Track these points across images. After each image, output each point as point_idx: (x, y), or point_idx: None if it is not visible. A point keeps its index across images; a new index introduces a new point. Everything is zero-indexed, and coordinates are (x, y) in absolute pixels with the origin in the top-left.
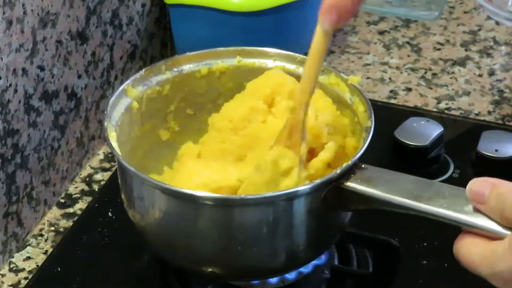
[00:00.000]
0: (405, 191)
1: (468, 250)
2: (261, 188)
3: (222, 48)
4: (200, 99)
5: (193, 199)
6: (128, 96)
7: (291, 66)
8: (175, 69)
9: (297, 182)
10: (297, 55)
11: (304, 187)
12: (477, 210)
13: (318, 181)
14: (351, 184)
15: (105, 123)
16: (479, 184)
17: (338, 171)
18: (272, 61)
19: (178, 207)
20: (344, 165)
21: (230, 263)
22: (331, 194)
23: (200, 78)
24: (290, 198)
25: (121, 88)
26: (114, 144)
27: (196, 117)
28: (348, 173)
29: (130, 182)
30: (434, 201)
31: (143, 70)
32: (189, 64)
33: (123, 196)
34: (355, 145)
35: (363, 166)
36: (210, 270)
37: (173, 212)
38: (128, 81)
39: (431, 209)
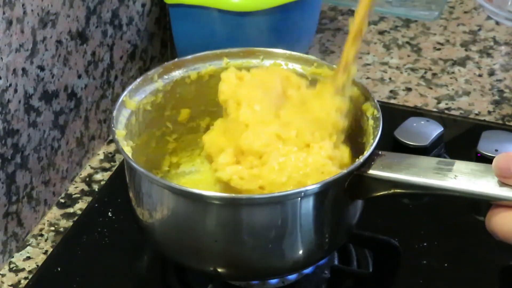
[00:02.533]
0: (429, 172)
1: (503, 222)
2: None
3: (209, 52)
4: (191, 104)
5: (202, 199)
6: (127, 108)
7: (281, 62)
8: (166, 77)
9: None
10: (285, 51)
11: (327, 180)
12: (504, 184)
13: (341, 172)
14: (373, 172)
15: (116, 137)
16: (504, 159)
17: (361, 160)
18: (260, 60)
19: (187, 206)
20: (365, 154)
21: (243, 263)
22: (353, 184)
23: (190, 84)
24: (309, 194)
25: (120, 100)
26: (129, 154)
27: (190, 122)
28: (368, 161)
29: (139, 182)
30: (460, 179)
31: (137, 80)
32: (179, 70)
33: (131, 195)
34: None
35: (380, 153)
36: (218, 270)
37: (182, 211)
38: (125, 92)
39: (458, 187)
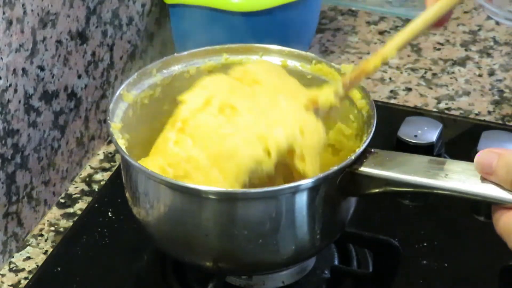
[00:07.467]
0: (420, 171)
1: (504, 222)
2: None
3: (209, 47)
4: None
5: (197, 194)
6: (125, 101)
7: (277, 60)
8: (165, 71)
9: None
10: (284, 48)
11: (319, 176)
12: (487, 181)
13: (333, 169)
14: (365, 169)
15: (110, 129)
16: (485, 155)
17: (353, 157)
18: (259, 56)
19: (183, 201)
20: (356, 151)
21: (240, 258)
22: (345, 180)
23: (189, 78)
24: (301, 189)
25: (117, 93)
26: (122, 146)
27: None
28: (360, 158)
29: (135, 178)
30: (451, 178)
31: (136, 74)
32: (178, 65)
33: (127, 195)
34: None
35: (373, 150)
36: (215, 265)
37: (178, 206)
38: (123, 86)
39: (448, 186)
